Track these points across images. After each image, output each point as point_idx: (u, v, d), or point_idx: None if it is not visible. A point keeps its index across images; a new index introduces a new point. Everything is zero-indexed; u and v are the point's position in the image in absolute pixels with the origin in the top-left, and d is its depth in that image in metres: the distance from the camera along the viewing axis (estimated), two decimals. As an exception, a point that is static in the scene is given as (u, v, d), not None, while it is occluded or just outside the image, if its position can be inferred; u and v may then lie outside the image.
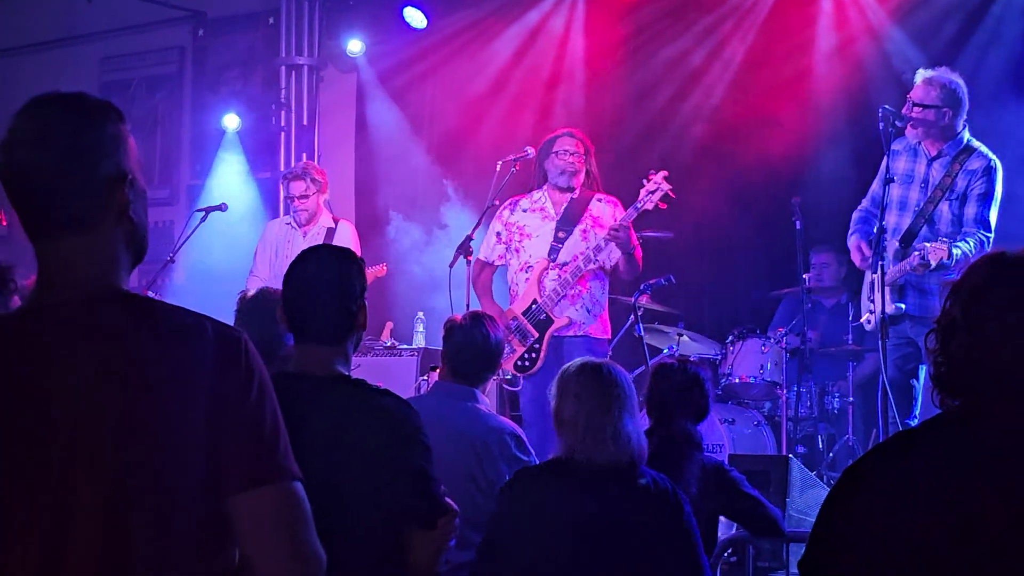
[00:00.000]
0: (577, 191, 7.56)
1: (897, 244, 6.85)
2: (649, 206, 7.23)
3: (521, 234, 7.56)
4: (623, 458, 4.05)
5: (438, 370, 5.40)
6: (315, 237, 8.55)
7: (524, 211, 7.62)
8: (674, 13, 9.92)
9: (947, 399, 2.28)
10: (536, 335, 7.35)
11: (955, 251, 6.38)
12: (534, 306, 7.36)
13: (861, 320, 7.29)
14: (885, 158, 6.95)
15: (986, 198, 6.71)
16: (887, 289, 6.67)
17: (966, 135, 6.90)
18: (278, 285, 8.00)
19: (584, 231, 7.46)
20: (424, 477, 3.42)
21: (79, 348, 2.11)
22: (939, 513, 2.16)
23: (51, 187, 2.15)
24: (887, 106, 6.87)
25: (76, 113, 2.19)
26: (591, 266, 7.32)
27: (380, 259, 9.08)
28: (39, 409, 2.09)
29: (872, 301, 6.88)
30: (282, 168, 10.43)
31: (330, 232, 8.64)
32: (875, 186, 7.19)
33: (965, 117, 6.90)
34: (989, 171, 6.75)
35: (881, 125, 6.85)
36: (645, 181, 7.30)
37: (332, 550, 3.18)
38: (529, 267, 7.47)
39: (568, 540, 3.99)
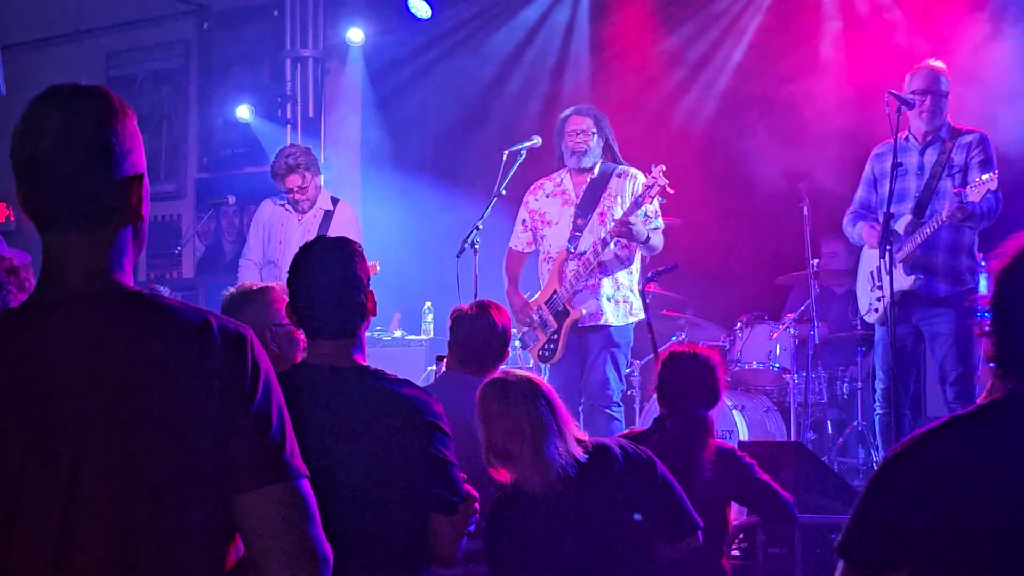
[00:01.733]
0: (595, 170, 7.49)
1: (910, 216, 6.89)
2: (648, 201, 7.19)
3: (542, 222, 7.54)
4: (556, 471, 4.04)
5: (445, 359, 5.39)
6: (311, 220, 8.28)
7: (547, 196, 7.57)
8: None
9: (1006, 379, 2.28)
10: (556, 326, 7.36)
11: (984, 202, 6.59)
12: (554, 296, 7.36)
13: (863, 314, 7.31)
14: (869, 163, 7.19)
15: (987, 164, 6.85)
16: (900, 266, 6.76)
17: (949, 120, 7.07)
18: (268, 270, 8.03)
19: (601, 214, 7.40)
20: (443, 463, 3.44)
21: (86, 344, 2.10)
22: (989, 496, 2.15)
23: (70, 182, 2.13)
24: (893, 91, 6.91)
25: (98, 108, 2.16)
26: (603, 257, 7.30)
27: (387, 249, 9.06)
28: (47, 406, 2.08)
29: (877, 289, 6.96)
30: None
31: (328, 215, 8.31)
32: (860, 191, 7.29)
33: None
34: (983, 140, 6.94)
35: (888, 109, 6.89)
36: (647, 174, 7.25)
37: (354, 536, 3.21)
38: (551, 257, 7.45)
39: (559, 545, 4.03)
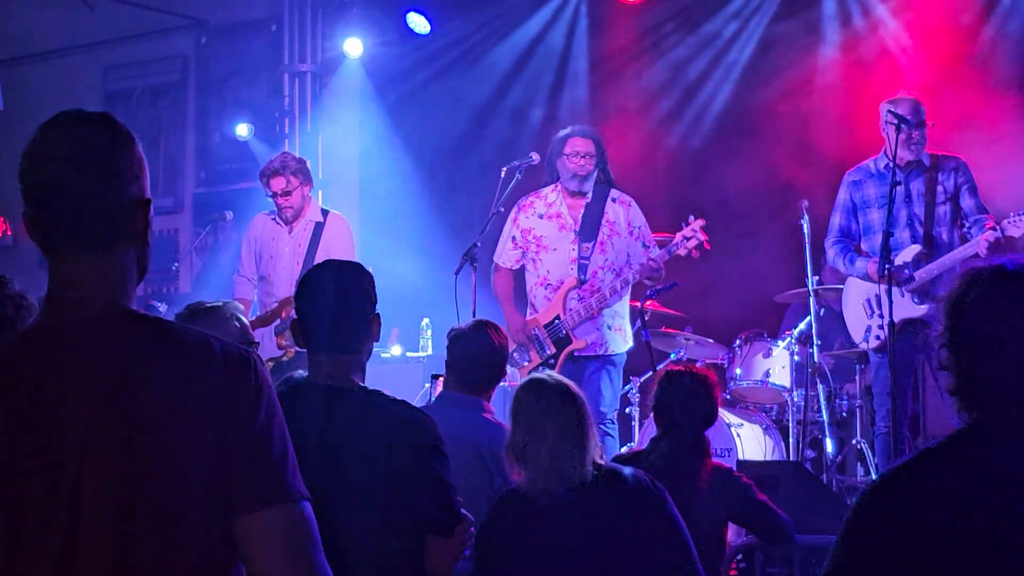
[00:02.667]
0: (590, 194, 7.45)
1: (919, 247, 6.97)
2: (682, 252, 7.22)
3: (539, 245, 7.46)
4: (581, 479, 4.02)
5: (441, 379, 5.37)
6: (302, 233, 8.05)
7: (540, 217, 7.50)
8: (679, 16, 9.94)
9: (968, 412, 2.28)
10: (554, 351, 7.34)
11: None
12: (556, 321, 7.32)
13: (859, 344, 7.35)
14: (844, 189, 7.30)
15: (974, 188, 7.04)
16: (908, 295, 6.89)
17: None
18: (261, 287, 7.99)
19: (602, 243, 7.39)
20: (441, 485, 3.43)
21: (90, 368, 2.11)
22: (968, 527, 2.15)
23: (79, 206, 2.16)
24: (891, 108, 6.94)
25: (108, 134, 2.21)
26: (617, 295, 7.30)
27: (385, 265, 9.04)
28: (50, 429, 2.09)
29: (878, 316, 7.03)
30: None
31: (318, 227, 8.05)
32: (838, 218, 7.35)
33: None
34: (964, 166, 7.10)
35: (885, 127, 6.96)
36: (684, 224, 7.28)
37: (349, 557, 3.19)
38: (548, 283, 7.41)
39: (554, 557, 3.99)
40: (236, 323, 4.25)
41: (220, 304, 4.41)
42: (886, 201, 6.84)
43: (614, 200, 7.48)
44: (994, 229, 6.64)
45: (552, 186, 7.56)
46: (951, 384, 2.32)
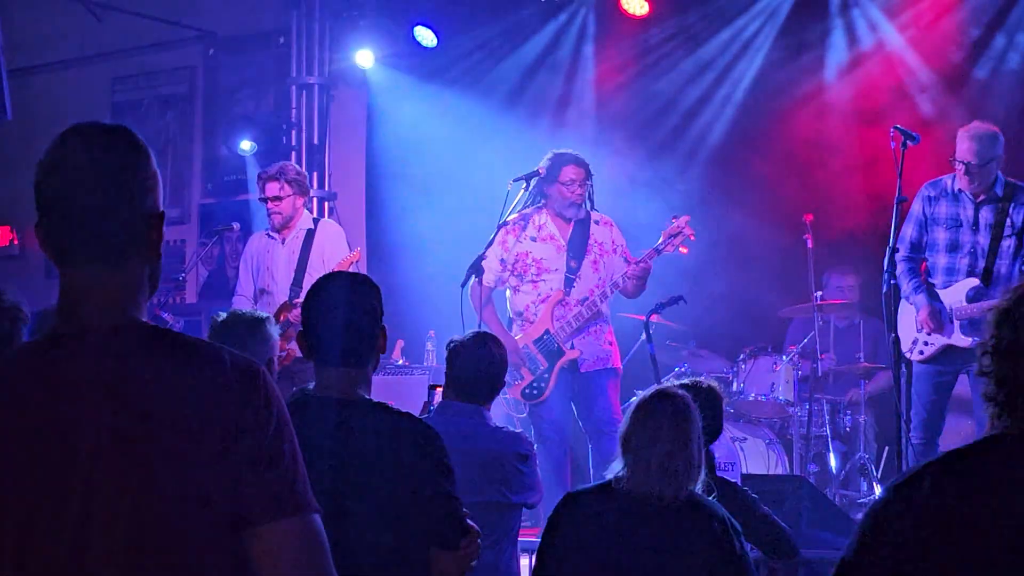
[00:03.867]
0: (575, 217, 7.59)
1: (977, 280, 7.03)
2: (669, 249, 7.37)
3: (539, 267, 7.53)
4: (681, 492, 4.04)
5: (439, 389, 5.37)
6: (294, 243, 8.13)
7: (533, 240, 7.58)
8: (684, 32, 9.95)
9: (1003, 419, 2.30)
10: (546, 365, 7.38)
11: None
12: (546, 336, 7.39)
13: (905, 351, 7.33)
14: (919, 202, 7.24)
15: None
16: (957, 324, 7.01)
17: (1001, 175, 7.12)
18: (262, 300, 8.04)
19: (594, 262, 7.55)
20: (448, 499, 3.43)
21: (101, 379, 2.12)
22: (996, 534, 2.16)
23: (95, 218, 2.17)
24: (898, 125, 6.95)
25: (125, 146, 2.22)
26: (606, 301, 7.41)
27: (391, 277, 9.05)
28: (61, 439, 2.09)
29: (927, 335, 7.13)
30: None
31: (309, 234, 8.14)
32: (910, 230, 7.32)
33: None
34: None
35: (893, 144, 6.96)
36: (667, 223, 7.38)
37: (358, 570, 3.19)
38: (547, 299, 7.47)
39: (620, 565, 3.99)
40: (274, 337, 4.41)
41: (266, 317, 4.52)
42: (954, 224, 7.00)
43: (597, 222, 7.64)
44: None
45: (536, 209, 7.65)
46: (989, 390, 2.33)
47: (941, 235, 7.17)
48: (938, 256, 7.15)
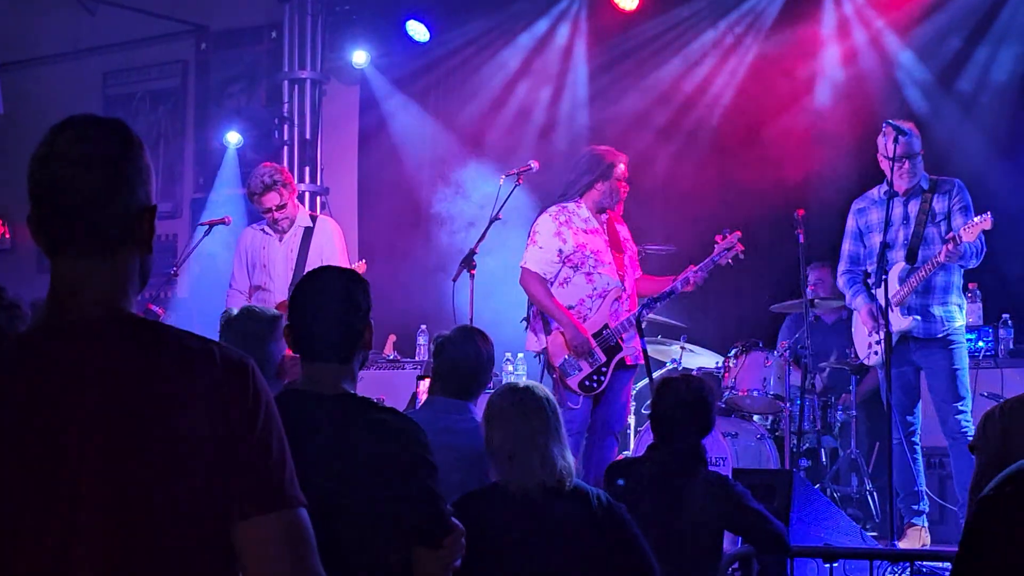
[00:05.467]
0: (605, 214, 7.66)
1: (904, 263, 7.24)
2: (723, 262, 7.49)
3: (597, 259, 7.47)
4: (549, 481, 4.11)
5: (427, 381, 5.37)
6: (292, 239, 8.06)
7: (586, 232, 7.52)
8: (677, 27, 9.96)
9: None
10: (604, 359, 7.40)
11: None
12: (605, 331, 7.41)
13: (862, 358, 7.68)
14: (851, 217, 7.58)
15: (967, 209, 7.20)
16: (897, 310, 7.15)
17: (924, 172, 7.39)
18: (257, 296, 8.04)
19: (631, 257, 7.70)
20: (431, 496, 3.41)
21: (90, 371, 2.11)
22: None
23: (87, 209, 2.16)
24: (891, 120, 7.00)
25: (119, 138, 2.21)
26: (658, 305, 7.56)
27: (383, 272, 9.06)
28: (49, 433, 2.08)
29: (876, 333, 7.34)
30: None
31: (308, 231, 8.06)
32: (848, 245, 7.63)
33: None
34: (961, 188, 7.31)
35: (884, 140, 7.03)
36: (719, 238, 7.50)
37: (339, 568, 3.18)
38: (604, 295, 7.48)
39: (514, 560, 4.03)
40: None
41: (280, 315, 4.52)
42: (884, 225, 7.12)
43: (617, 224, 7.72)
44: (952, 239, 6.92)
45: (576, 202, 7.56)
46: None
47: (877, 239, 7.29)
48: (877, 259, 7.23)
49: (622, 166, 7.58)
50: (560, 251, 7.46)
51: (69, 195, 2.16)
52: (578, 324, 7.38)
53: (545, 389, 4.37)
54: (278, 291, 7.95)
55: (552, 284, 7.50)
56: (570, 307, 7.45)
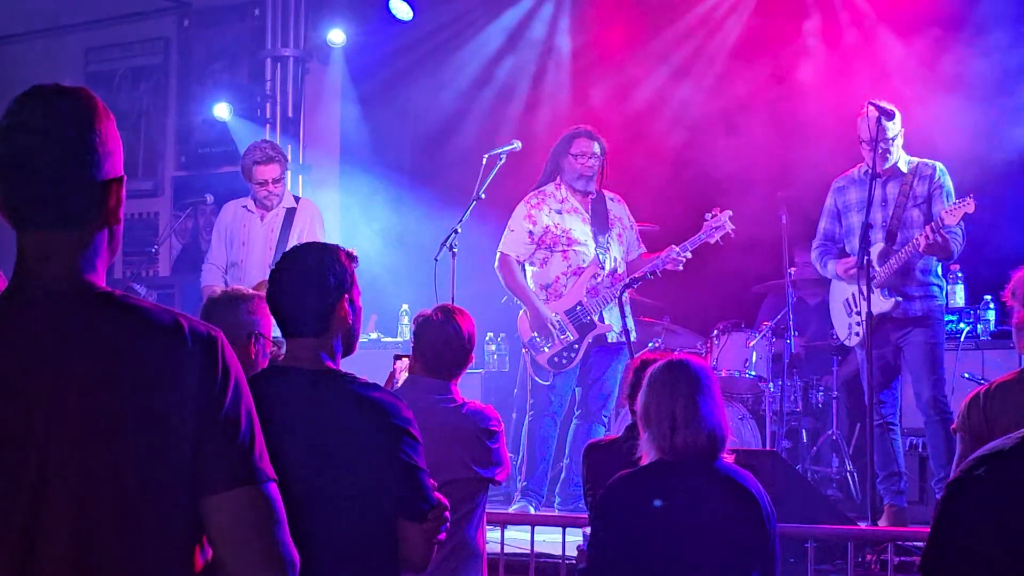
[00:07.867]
0: (593, 192, 7.78)
1: (883, 244, 7.23)
2: (711, 240, 7.58)
3: (569, 238, 7.68)
4: (709, 445, 4.11)
5: (404, 360, 5.36)
6: (273, 219, 8.08)
7: (560, 213, 7.72)
8: (662, 7, 9.94)
9: None
10: (577, 336, 7.57)
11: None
12: (578, 308, 7.55)
13: (843, 339, 7.60)
14: (830, 195, 7.59)
15: (948, 194, 7.22)
16: (877, 291, 7.12)
17: (905, 153, 7.39)
18: (232, 273, 8.03)
19: (619, 235, 7.81)
20: (414, 470, 3.42)
21: (57, 344, 2.09)
22: None
23: (52, 181, 2.13)
24: (874, 101, 7.02)
25: (85, 108, 2.17)
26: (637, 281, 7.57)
27: (365, 251, 9.03)
28: (14, 404, 2.07)
29: (856, 315, 7.32)
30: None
31: (290, 212, 8.08)
32: (824, 223, 7.64)
33: None
34: (942, 172, 7.33)
35: (867, 121, 7.04)
36: (708, 216, 7.59)
37: (322, 543, 3.19)
38: (579, 273, 7.63)
39: (667, 534, 4.03)
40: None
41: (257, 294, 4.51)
42: (864, 205, 7.14)
43: (612, 199, 7.89)
44: (932, 225, 6.94)
45: (555, 183, 7.81)
46: None
47: (855, 218, 7.35)
48: (855, 240, 7.25)
49: (581, 142, 7.69)
50: (531, 232, 7.71)
51: (34, 167, 2.13)
52: (539, 305, 7.60)
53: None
54: (252, 269, 7.93)
55: (532, 265, 7.74)
56: (547, 285, 7.63)
